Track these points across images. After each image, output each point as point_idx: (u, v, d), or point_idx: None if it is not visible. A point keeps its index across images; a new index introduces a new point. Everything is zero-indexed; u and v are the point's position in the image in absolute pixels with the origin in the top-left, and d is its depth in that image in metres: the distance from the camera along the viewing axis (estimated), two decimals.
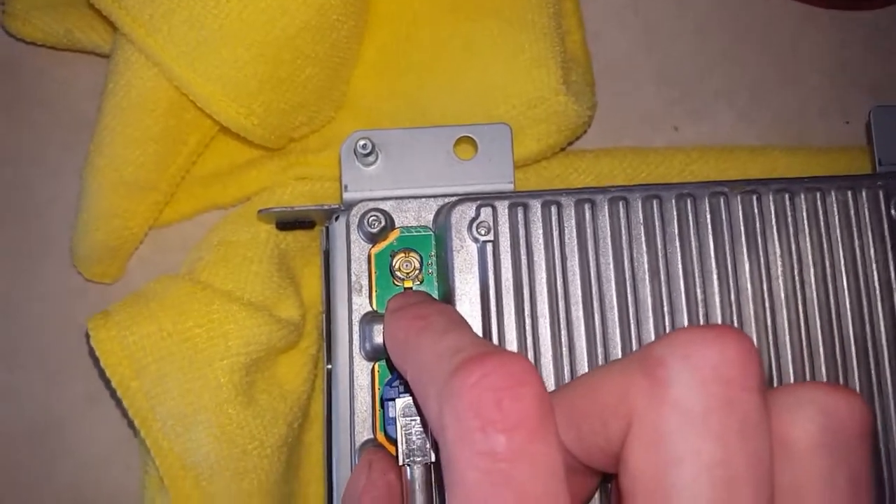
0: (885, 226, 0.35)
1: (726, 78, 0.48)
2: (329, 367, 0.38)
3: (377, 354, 0.35)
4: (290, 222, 0.40)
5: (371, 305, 0.36)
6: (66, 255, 0.45)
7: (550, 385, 0.33)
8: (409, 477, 0.31)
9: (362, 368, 0.35)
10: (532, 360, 0.33)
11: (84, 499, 0.43)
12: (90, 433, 0.44)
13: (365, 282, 0.36)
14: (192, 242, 0.43)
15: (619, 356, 0.33)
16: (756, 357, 0.21)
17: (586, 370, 0.33)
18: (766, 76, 0.48)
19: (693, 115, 0.47)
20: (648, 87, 0.48)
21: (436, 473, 0.31)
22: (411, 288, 0.36)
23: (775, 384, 0.33)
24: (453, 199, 0.35)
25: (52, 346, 0.44)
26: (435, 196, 0.37)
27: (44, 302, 0.45)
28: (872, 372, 0.34)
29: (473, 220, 0.34)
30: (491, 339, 0.33)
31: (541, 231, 0.34)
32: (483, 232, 0.34)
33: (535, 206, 0.34)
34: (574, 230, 0.34)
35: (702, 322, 0.33)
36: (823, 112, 0.48)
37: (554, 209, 0.34)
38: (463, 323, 0.27)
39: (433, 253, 0.36)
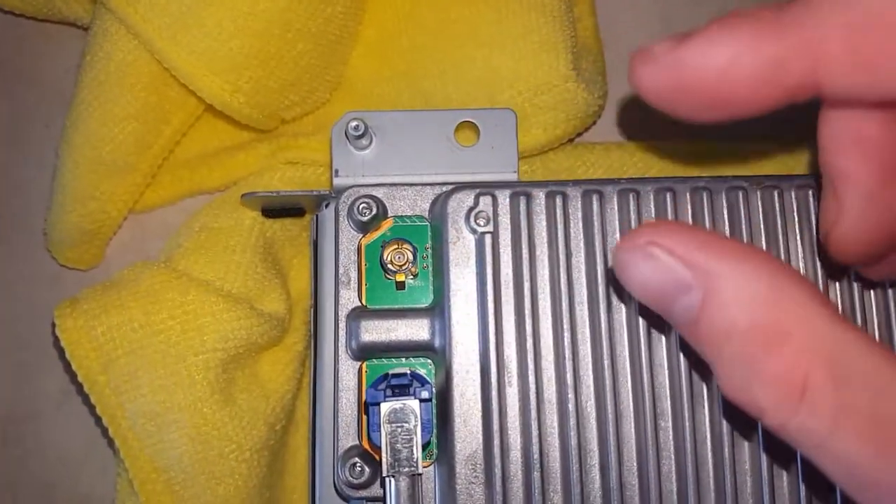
0: None
1: None
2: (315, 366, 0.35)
3: (364, 353, 0.32)
4: (277, 209, 0.38)
5: (360, 300, 0.33)
6: (41, 238, 0.42)
7: (552, 398, 0.30)
8: (393, 490, 0.28)
9: (348, 368, 0.32)
10: (532, 364, 0.30)
11: (58, 497, 0.41)
12: (65, 429, 0.41)
13: (354, 274, 0.33)
14: (175, 229, 0.41)
15: (627, 360, 0.30)
16: None
17: (590, 375, 0.30)
18: None
19: None
20: None
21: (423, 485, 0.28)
22: (403, 282, 0.33)
23: None
24: (451, 186, 0.33)
25: (24, 335, 0.42)
26: (432, 184, 0.34)
27: (15, 288, 0.43)
28: None
29: (472, 209, 0.31)
30: (488, 339, 0.30)
31: (544, 223, 0.31)
32: (482, 223, 0.31)
33: (539, 197, 0.31)
34: (580, 223, 0.31)
35: None
36: None
37: (559, 200, 0.31)
38: None
39: (429, 245, 0.33)
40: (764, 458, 0.30)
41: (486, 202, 0.31)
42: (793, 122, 0.44)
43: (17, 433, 0.41)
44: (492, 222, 0.31)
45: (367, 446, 0.31)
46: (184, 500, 0.35)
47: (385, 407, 0.29)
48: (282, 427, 0.37)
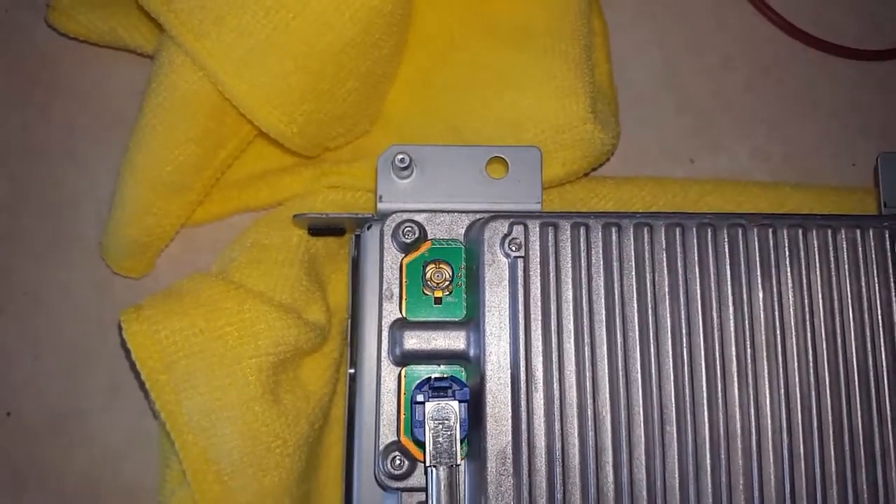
0: (889, 264, 0.37)
1: (743, 114, 0.50)
2: (352, 371, 0.39)
3: (405, 360, 0.36)
4: (322, 228, 0.42)
5: (400, 312, 0.37)
6: (93, 247, 0.46)
7: (573, 403, 0.34)
8: (434, 478, 0.32)
9: (389, 373, 0.36)
10: (556, 373, 0.34)
11: (101, 488, 0.44)
12: (110, 425, 0.45)
13: (396, 289, 0.37)
14: (221, 243, 0.45)
15: (639, 372, 0.34)
16: None
17: (607, 384, 0.34)
18: (781, 115, 0.50)
19: (710, 149, 0.49)
20: (668, 119, 0.50)
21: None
22: (440, 298, 0.37)
23: (783, 406, 0.35)
24: (485, 215, 0.37)
25: (77, 336, 0.45)
26: (467, 211, 0.38)
27: (69, 293, 0.46)
28: (873, 397, 0.35)
29: (506, 236, 0.35)
30: (518, 350, 0.34)
31: (569, 251, 0.35)
32: (514, 248, 0.35)
33: (565, 227, 0.36)
34: (601, 252, 0.35)
35: (716, 344, 0.35)
36: (833, 153, 0.50)
37: (582, 231, 0.36)
38: None
39: (463, 265, 0.37)
40: (755, 460, 0.34)
41: (518, 230, 0.35)
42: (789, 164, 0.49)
43: (65, 427, 0.44)
44: (523, 248, 0.35)
45: (405, 442, 0.35)
46: (232, 490, 0.38)
47: (430, 406, 0.33)
48: (319, 426, 0.41)
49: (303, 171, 0.45)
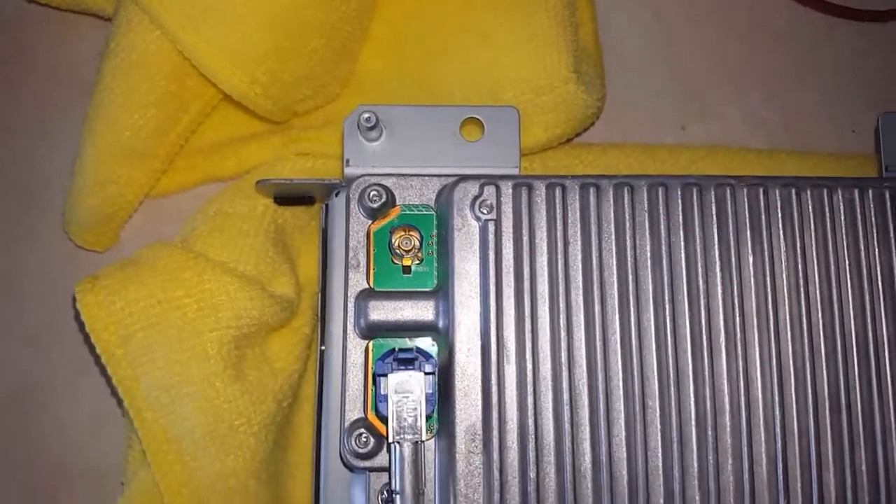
0: (890, 226, 0.35)
1: (738, 79, 0.48)
2: (323, 347, 0.37)
3: (371, 332, 0.34)
4: (289, 197, 0.40)
5: (368, 282, 0.35)
6: (58, 220, 0.44)
7: (547, 376, 0.32)
8: (398, 455, 0.30)
9: (355, 346, 0.34)
10: (529, 343, 0.32)
11: (68, 470, 0.42)
12: (76, 403, 0.43)
13: (363, 258, 0.35)
14: (188, 214, 0.43)
15: (618, 343, 0.32)
16: None
17: (584, 355, 0.32)
18: (777, 80, 0.48)
19: (702, 115, 0.47)
20: (659, 83, 0.47)
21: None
22: (409, 266, 0.35)
23: (775, 378, 0.32)
24: (457, 178, 0.35)
25: (41, 313, 0.44)
26: (439, 175, 0.36)
27: (33, 267, 0.44)
28: (872, 369, 0.33)
29: (476, 198, 0.33)
30: (489, 319, 0.32)
31: (544, 213, 0.33)
32: (485, 211, 0.33)
33: (540, 188, 0.33)
34: (578, 214, 0.33)
35: (702, 312, 0.33)
36: (832, 119, 0.48)
37: (559, 192, 0.33)
38: None
39: (434, 232, 0.35)
40: (744, 437, 0.32)
41: (489, 192, 0.33)
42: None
43: (31, 407, 0.43)
44: (495, 211, 0.33)
45: (372, 419, 0.33)
46: (194, 471, 0.36)
47: (392, 378, 0.31)
48: (288, 404, 0.39)
49: (271, 138, 0.43)
